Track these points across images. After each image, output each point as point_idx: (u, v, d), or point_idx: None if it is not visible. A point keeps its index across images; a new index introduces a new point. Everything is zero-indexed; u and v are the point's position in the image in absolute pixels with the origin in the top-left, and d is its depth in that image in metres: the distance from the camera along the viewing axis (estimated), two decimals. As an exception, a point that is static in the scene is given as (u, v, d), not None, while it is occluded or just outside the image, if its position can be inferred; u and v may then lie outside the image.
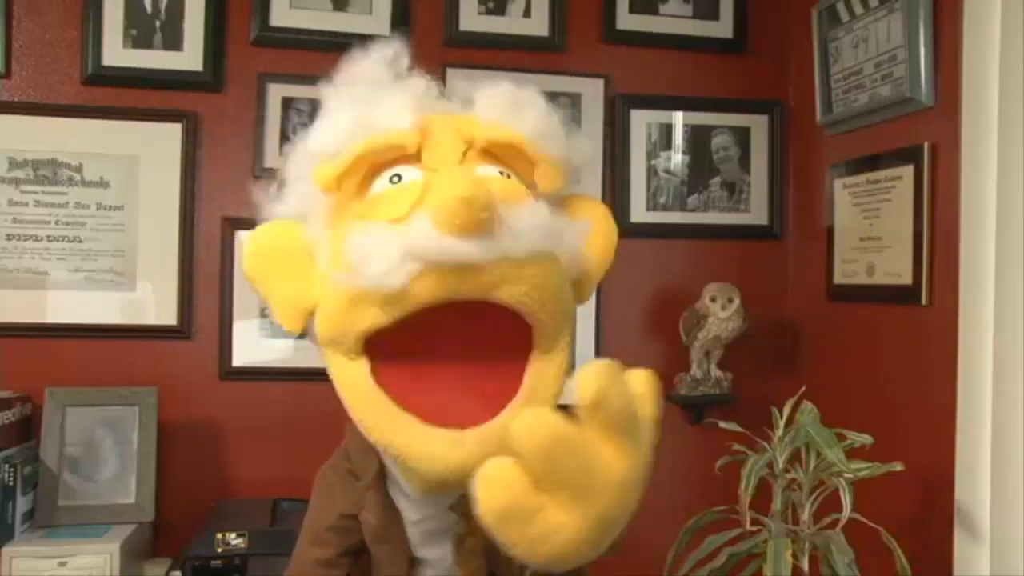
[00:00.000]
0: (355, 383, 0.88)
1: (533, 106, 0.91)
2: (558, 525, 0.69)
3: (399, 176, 0.86)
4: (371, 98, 0.89)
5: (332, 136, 0.88)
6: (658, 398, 0.79)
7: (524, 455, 0.66)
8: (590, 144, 1.03)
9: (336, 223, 0.89)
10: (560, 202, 0.95)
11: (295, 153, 0.94)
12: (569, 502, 0.69)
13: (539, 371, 0.89)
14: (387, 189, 0.86)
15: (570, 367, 0.93)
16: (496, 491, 0.67)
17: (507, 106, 0.89)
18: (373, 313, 0.83)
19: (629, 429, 0.72)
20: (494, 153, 0.89)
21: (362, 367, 0.87)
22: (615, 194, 2.11)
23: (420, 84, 0.94)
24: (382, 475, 1.00)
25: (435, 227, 0.77)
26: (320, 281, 0.89)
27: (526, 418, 0.67)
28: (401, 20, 2.02)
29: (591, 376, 0.70)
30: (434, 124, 0.90)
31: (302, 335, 0.96)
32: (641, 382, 0.79)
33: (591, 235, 0.96)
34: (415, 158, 0.87)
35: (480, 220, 0.76)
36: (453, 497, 0.95)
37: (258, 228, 0.96)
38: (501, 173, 0.88)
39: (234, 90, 1.97)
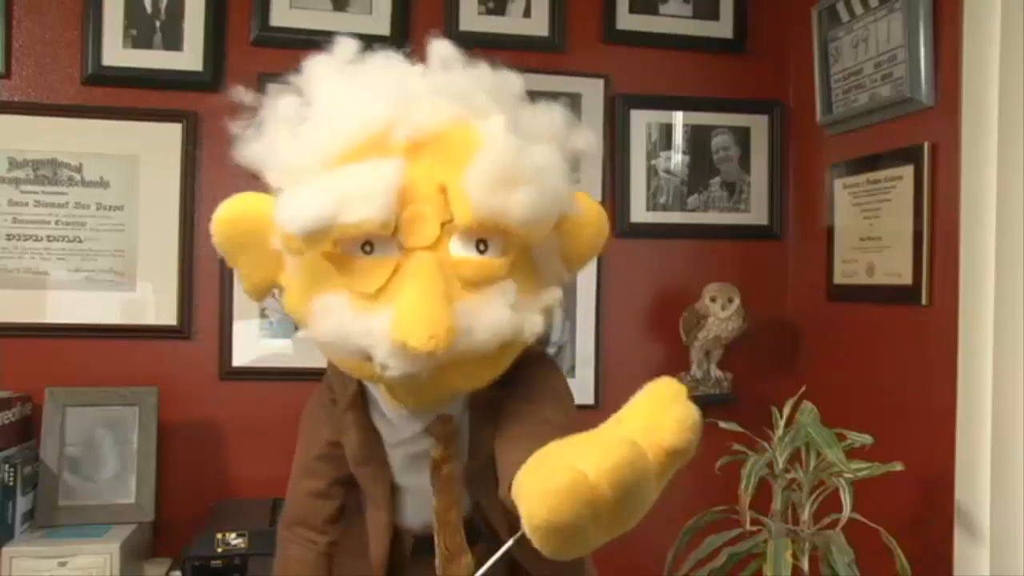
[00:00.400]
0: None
1: (528, 183, 0.85)
2: (591, 540, 0.69)
3: (371, 246, 0.85)
4: (349, 175, 0.84)
5: (307, 216, 0.83)
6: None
7: (609, 485, 0.64)
8: (593, 139, 1.00)
9: (304, 261, 0.90)
10: None
11: (280, 102, 0.94)
12: (610, 525, 0.68)
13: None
14: (360, 259, 0.85)
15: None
16: (565, 506, 0.63)
17: (499, 182, 0.83)
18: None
19: (675, 470, 0.74)
20: (480, 231, 0.86)
21: None
22: (615, 194, 2.11)
23: (411, 85, 0.90)
24: (360, 396, 1.02)
25: (393, 347, 0.79)
26: (285, 268, 0.94)
27: (624, 452, 0.64)
28: (401, 20, 2.02)
29: (688, 427, 0.70)
30: (418, 191, 0.85)
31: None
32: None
33: (577, 235, 0.97)
34: (392, 232, 0.85)
35: (436, 357, 0.79)
36: (428, 419, 0.98)
37: (227, 201, 0.98)
38: (479, 245, 0.86)
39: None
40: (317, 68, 0.94)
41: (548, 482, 0.64)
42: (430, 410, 0.97)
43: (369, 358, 0.83)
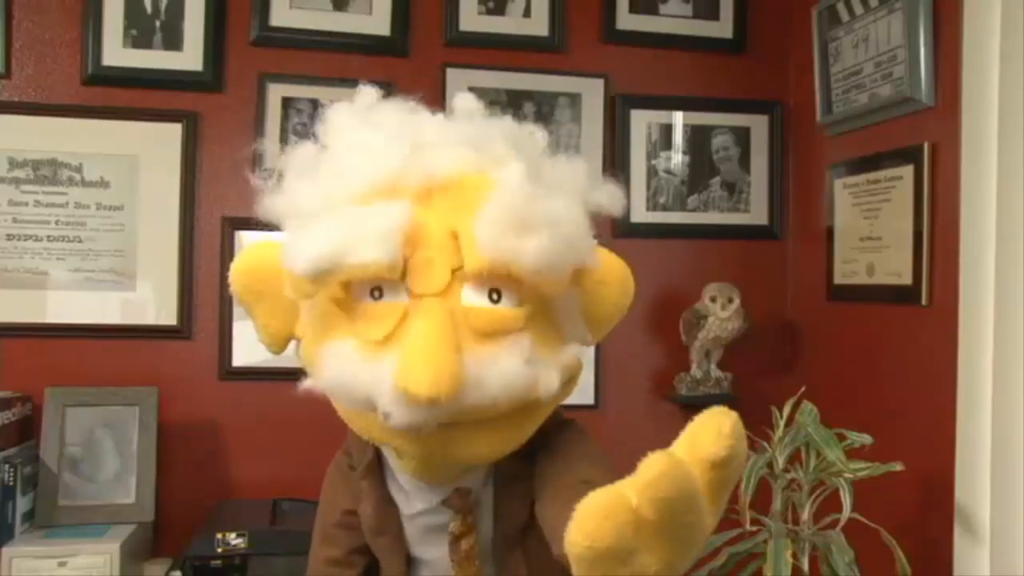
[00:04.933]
0: None
1: (541, 230, 0.82)
2: (642, 567, 0.65)
3: (380, 292, 0.84)
4: (356, 214, 0.83)
5: (312, 257, 0.83)
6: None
7: (649, 500, 0.61)
8: (618, 196, 0.96)
9: (317, 310, 0.89)
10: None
11: (298, 152, 0.92)
12: (662, 549, 0.64)
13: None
14: (368, 305, 0.84)
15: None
16: (605, 528, 0.60)
17: (510, 227, 0.81)
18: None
19: (731, 486, 0.69)
20: (490, 278, 0.84)
21: None
22: (615, 194, 2.11)
23: (428, 132, 0.89)
24: (377, 464, 1.00)
25: (398, 399, 0.77)
26: (303, 317, 0.92)
27: (661, 466, 0.61)
28: (401, 20, 2.02)
29: (726, 433, 0.65)
30: (427, 235, 0.84)
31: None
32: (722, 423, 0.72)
33: (600, 297, 0.94)
34: (401, 276, 0.83)
35: (442, 405, 0.76)
36: (446, 491, 0.96)
37: (243, 251, 0.97)
38: (492, 295, 0.84)
39: (234, 90, 1.97)
40: (336, 115, 0.92)
41: (585, 507, 0.61)
42: (447, 482, 0.95)
43: (375, 408, 0.81)
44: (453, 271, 0.83)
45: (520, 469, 0.95)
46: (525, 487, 0.96)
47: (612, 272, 0.97)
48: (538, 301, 0.87)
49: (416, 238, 0.83)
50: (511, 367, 0.82)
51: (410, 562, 1.03)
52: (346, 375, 0.82)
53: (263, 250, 0.94)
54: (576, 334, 0.93)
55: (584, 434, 1.00)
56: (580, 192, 0.91)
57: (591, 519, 0.60)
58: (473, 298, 0.83)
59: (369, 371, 0.80)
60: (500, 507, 0.98)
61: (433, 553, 1.01)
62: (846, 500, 1.41)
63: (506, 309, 0.84)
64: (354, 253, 0.80)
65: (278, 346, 0.96)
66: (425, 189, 0.85)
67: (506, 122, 0.94)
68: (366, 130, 0.89)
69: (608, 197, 0.94)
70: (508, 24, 2.08)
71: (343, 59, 1.99)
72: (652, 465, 0.60)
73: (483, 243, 0.81)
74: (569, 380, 0.92)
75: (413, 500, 0.99)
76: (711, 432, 0.64)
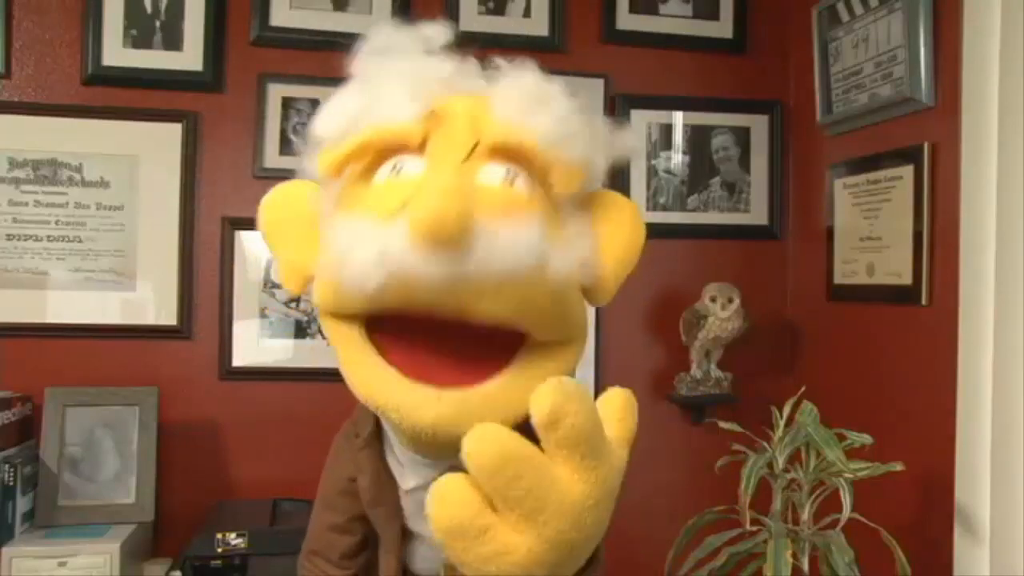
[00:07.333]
0: (347, 339, 0.88)
1: (552, 105, 0.87)
2: (509, 545, 0.68)
3: (401, 166, 0.85)
4: (382, 82, 0.88)
5: (335, 122, 0.87)
6: (633, 418, 0.78)
7: (472, 472, 0.65)
8: (631, 138, 0.99)
9: (340, 204, 0.89)
10: (582, 200, 0.93)
11: (324, 113, 0.93)
12: (520, 522, 0.67)
13: (533, 351, 0.89)
14: (385, 181, 0.85)
15: (575, 362, 0.95)
16: (446, 507, 0.65)
17: (524, 104, 0.86)
18: (359, 303, 0.84)
19: (590, 450, 0.70)
20: (506, 151, 0.86)
21: (354, 326, 0.88)
22: (615, 194, 2.11)
23: (448, 64, 0.91)
24: (377, 436, 1.01)
25: (408, 237, 0.75)
26: (321, 251, 0.91)
27: (476, 434, 0.65)
28: (401, 20, 2.01)
29: (546, 393, 0.68)
30: (450, 111, 0.87)
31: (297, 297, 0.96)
32: (615, 401, 0.77)
33: (611, 236, 0.94)
34: (421, 148, 0.85)
35: (451, 237, 0.74)
36: (443, 467, 0.93)
37: (275, 188, 0.97)
38: (508, 173, 0.85)
39: (234, 90, 1.97)
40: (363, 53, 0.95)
41: (431, 492, 0.67)
42: (443, 456, 0.93)
43: (384, 274, 0.78)
44: (471, 151, 0.85)
45: None
46: None
47: (621, 205, 0.97)
48: (551, 195, 0.87)
49: (439, 115, 0.86)
50: (524, 234, 0.80)
51: (406, 533, 1.04)
52: (357, 240, 0.80)
53: (293, 184, 0.97)
54: (589, 263, 0.91)
55: None
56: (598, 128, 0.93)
57: (432, 504, 0.66)
58: (489, 178, 0.84)
59: (379, 234, 0.78)
60: None
61: (427, 528, 1.01)
62: (846, 500, 1.41)
63: (520, 190, 0.85)
64: (378, 113, 0.85)
65: (298, 283, 0.94)
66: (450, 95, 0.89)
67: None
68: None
69: (624, 140, 0.95)
70: (508, 24, 2.08)
71: (343, 59, 1.99)
72: (467, 438, 0.65)
73: (499, 115, 0.85)
74: (582, 321, 0.93)
75: (409, 475, 0.99)
76: (535, 397, 0.68)
